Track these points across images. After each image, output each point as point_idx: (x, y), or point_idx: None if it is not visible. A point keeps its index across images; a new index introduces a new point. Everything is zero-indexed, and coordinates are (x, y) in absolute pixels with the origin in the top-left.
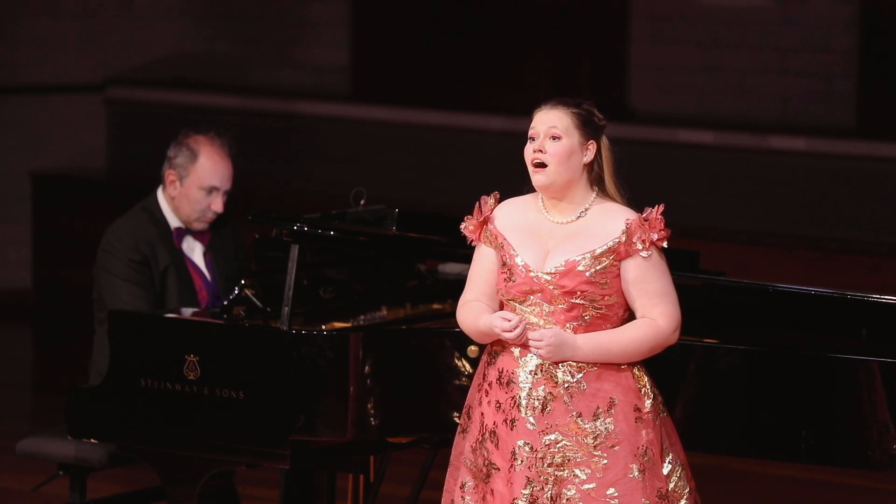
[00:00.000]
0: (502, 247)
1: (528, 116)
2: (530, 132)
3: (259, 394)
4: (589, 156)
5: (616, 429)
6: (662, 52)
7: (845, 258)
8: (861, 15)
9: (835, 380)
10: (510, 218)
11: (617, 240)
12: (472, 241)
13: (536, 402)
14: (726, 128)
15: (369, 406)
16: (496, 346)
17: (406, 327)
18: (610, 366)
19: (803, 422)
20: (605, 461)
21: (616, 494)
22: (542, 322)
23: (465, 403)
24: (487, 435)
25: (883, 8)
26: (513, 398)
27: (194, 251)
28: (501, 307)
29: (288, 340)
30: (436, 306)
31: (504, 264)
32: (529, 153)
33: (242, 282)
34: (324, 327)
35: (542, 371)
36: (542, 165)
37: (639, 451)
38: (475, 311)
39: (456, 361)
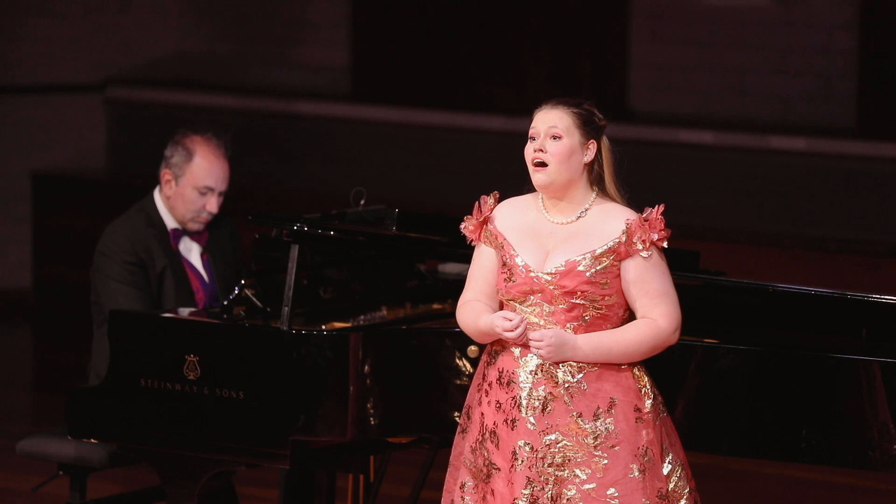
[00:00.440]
0: (502, 247)
1: (529, 116)
2: (531, 132)
3: (259, 394)
4: (589, 155)
5: (616, 429)
6: (662, 52)
7: (845, 258)
8: (861, 15)
9: (835, 380)
10: (510, 218)
11: (617, 240)
12: (471, 240)
13: (537, 402)
14: (726, 128)
15: (369, 406)
16: (496, 346)
17: (406, 327)
18: (610, 366)
19: (803, 422)
20: (606, 461)
21: (616, 494)
22: (542, 322)
23: (465, 403)
24: (488, 435)
25: (883, 8)
26: (513, 398)
27: (191, 252)
28: (501, 307)
29: (288, 340)
30: (436, 306)
31: (504, 264)
32: (530, 152)
33: (242, 282)
34: (324, 327)
35: (542, 371)
36: (542, 165)
37: (639, 451)
38: (475, 311)
39: (456, 361)
